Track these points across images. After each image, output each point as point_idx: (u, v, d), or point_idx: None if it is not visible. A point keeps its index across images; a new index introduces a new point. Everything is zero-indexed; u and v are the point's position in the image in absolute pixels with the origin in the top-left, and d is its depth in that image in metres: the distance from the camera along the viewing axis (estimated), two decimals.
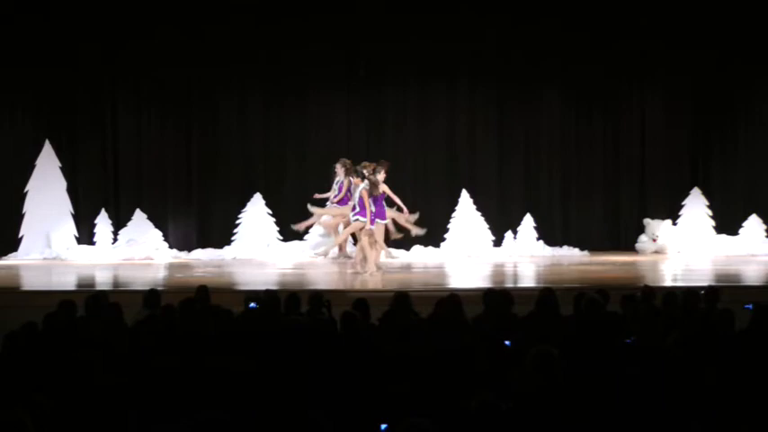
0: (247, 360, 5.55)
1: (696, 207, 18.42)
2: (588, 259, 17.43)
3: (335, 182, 16.53)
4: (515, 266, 16.35)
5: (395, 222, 15.75)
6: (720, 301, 7.94)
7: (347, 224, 15.36)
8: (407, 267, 15.82)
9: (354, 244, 15.58)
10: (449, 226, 17.98)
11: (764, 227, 18.06)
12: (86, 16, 18.07)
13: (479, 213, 18.01)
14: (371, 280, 13.66)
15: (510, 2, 18.40)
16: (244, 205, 18.22)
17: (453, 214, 18.03)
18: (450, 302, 7.48)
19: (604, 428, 4.72)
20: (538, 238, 18.12)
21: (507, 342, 6.50)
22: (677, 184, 18.66)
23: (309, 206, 16.48)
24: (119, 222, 18.20)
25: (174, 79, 18.43)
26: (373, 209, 14.13)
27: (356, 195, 14.50)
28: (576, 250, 18.05)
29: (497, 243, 18.10)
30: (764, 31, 18.23)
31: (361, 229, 14.33)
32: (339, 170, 16.41)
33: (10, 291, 13.16)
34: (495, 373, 5.51)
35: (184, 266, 16.29)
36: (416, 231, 15.94)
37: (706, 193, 18.48)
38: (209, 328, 6.88)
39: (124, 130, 18.74)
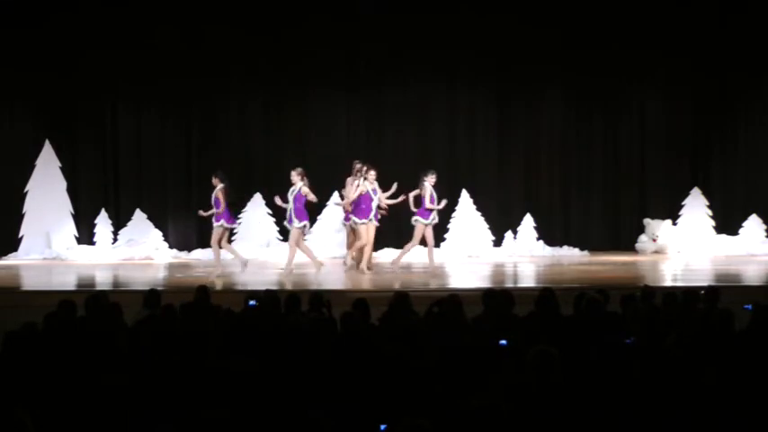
0: (248, 360, 5.55)
1: (696, 207, 18.43)
2: (588, 259, 17.43)
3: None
4: (515, 266, 16.35)
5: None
6: (720, 301, 7.93)
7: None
8: (407, 267, 15.81)
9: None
10: (449, 226, 17.99)
11: (764, 227, 18.08)
12: (87, 17, 18.08)
13: (479, 213, 18.01)
14: (287, 279, 13.56)
15: (510, 3, 18.41)
16: (244, 205, 18.22)
17: (453, 214, 18.04)
18: (451, 302, 7.47)
19: (604, 428, 4.72)
20: (538, 238, 18.13)
21: (503, 342, 6.49)
22: (677, 184, 18.67)
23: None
24: (119, 222, 18.21)
25: (174, 79, 18.43)
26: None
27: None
28: (576, 250, 18.06)
29: (497, 243, 18.11)
30: (764, 31, 18.23)
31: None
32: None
33: (10, 291, 13.16)
34: (495, 374, 5.51)
35: (184, 266, 16.29)
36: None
37: (706, 193, 18.49)
38: (209, 327, 6.88)
39: (124, 130, 18.76)
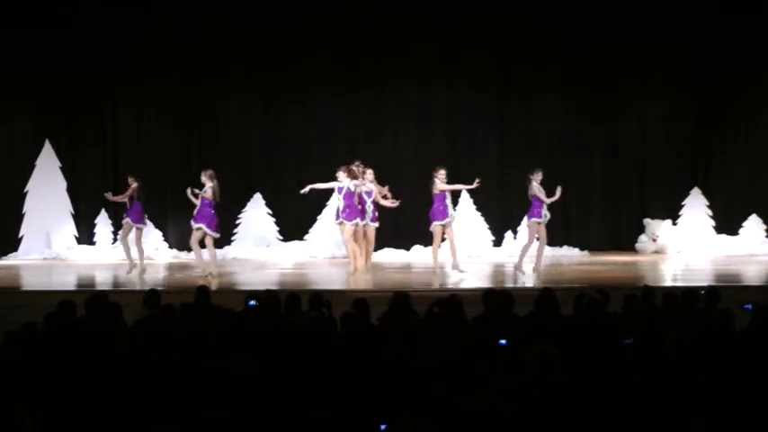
0: (248, 360, 5.54)
1: (696, 207, 18.43)
2: (588, 259, 17.43)
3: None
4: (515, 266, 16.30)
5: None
6: (720, 301, 7.93)
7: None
8: (407, 267, 15.81)
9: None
10: None
11: (764, 227, 18.08)
12: (87, 17, 18.08)
13: (479, 213, 18.01)
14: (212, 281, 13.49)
15: (510, 3, 18.40)
16: (244, 205, 18.22)
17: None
18: (451, 302, 7.47)
19: (604, 428, 4.72)
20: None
21: (503, 342, 6.49)
22: (677, 184, 18.66)
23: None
24: (119, 222, 18.18)
25: (174, 79, 18.43)
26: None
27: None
28: (576, 250, 18.05)
29: (497, 243, 18.10)
30: (764, 31, 18.23)
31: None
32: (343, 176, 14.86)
33: (10, 291, 13.16)
34: (495, 374, 5.51)
35: (184, 266, 16.28)
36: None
37: (706, 193, 18.49)
38: (209, 327, 6.88)
39: (124, 130, 18.76)
